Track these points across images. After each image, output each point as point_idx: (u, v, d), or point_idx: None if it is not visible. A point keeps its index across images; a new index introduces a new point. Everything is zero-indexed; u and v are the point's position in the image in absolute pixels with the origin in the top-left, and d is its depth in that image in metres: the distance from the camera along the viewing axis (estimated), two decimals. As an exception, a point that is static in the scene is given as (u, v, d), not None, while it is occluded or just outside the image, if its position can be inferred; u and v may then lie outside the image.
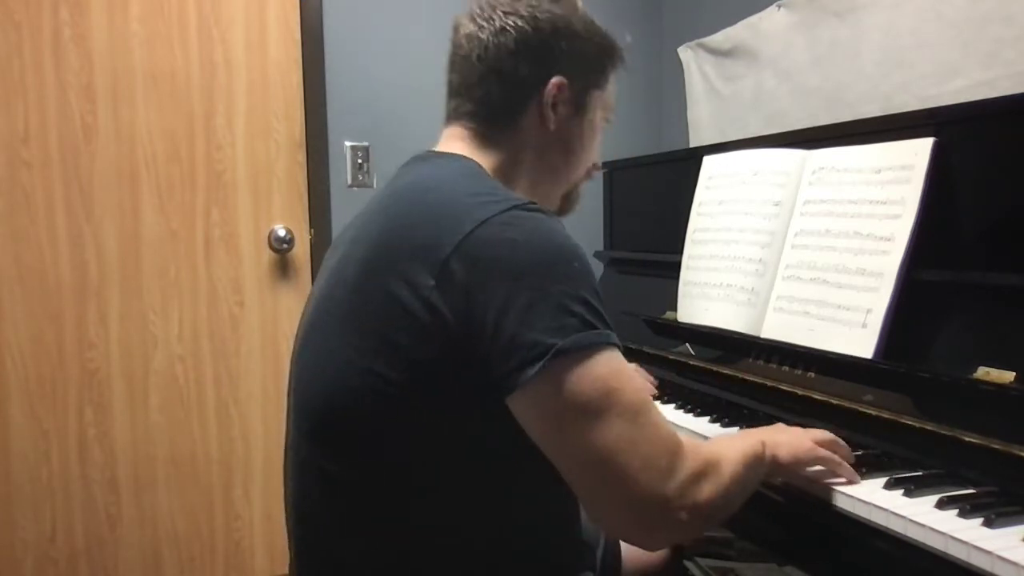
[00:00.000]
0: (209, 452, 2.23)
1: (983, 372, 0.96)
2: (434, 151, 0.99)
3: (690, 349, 1.51)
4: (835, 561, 1.00)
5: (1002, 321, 1.00)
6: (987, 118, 1.13)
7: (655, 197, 1.91)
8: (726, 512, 0.85)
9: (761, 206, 1.39)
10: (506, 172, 0.96)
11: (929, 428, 0.98)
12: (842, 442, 0.99)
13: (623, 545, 1.19)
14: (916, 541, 0.83)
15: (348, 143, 2.35)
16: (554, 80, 0.95)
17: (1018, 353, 0.94)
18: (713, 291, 1.44)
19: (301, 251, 2.30)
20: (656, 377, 1.48)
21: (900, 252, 1.10)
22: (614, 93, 1.05)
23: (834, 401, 1.13)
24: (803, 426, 1.03)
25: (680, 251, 1.57)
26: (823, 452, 0.96)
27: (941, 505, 0.86)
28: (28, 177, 2.04)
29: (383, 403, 0.81)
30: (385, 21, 2.37)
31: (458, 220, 0.79)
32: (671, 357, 1.51)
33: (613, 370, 0.78)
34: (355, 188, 2.35)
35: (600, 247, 2.10)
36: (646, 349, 1.57)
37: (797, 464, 0.95)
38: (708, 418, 1.28)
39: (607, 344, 0.79)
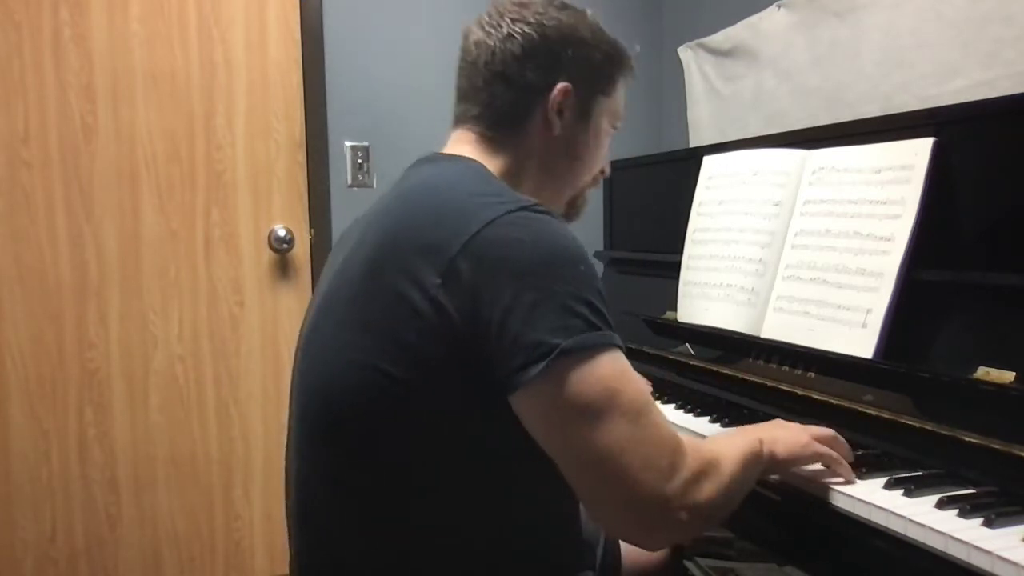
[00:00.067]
0: (209, 452, 2.23)
1: (983, 372, 0.96)
2: (441, 153, 0.99)
3: (690, 349, 1.51)
4: (835, 561, 1.00)
5: (1002, 321, 1.00)
6: (987, 118, 1.13)
7: (655, 197, 1.91)
8: (726, 511, 0.86)
9: (761, 206, 1.39)
10: (512, 176, 0.96)
11: (929, 428, 0.98)
12: (842, 439, 0.99)
13: (623, 545, 1.19)
14: (916, 541, 0.83)
15: (348, 143, 2.35)
16: (560, 86, 0.96)
17: (1018, 353, 0.94)
18: (713, 291, 1.44)
19: (301, 251, 2.30)
20: (656, 377, 1.48)
21: (900, 252, 1.10)
22: (622, 101, 1.06)
23: (834, 401, 1.13)
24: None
25: (680, 251, 1.57)
26: (821, 449, 0.96)
27: (941, 505, 0.86)
28: (28, 177, 2.04)
29: (387, 401, 0.81)
30: (385, 21, 2.37)
31: (465, 220, 0.80)
32: (671, 357, 1.52)
33: (616, 371, 0.79)
34: (355, 188, 2.35)
35: (600, 247, 2.10)
36: (646, 349, 1.57)
37: (795, 461, 0.95)
38: (708, 418, 1.28)
39: (610, 345, 0.79)
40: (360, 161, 2.36)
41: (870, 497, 0.90)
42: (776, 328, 1.29)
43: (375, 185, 2.36)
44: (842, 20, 1.88)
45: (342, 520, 0.87)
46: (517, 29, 0.95)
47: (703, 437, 1.18)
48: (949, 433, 0.95)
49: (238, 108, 2.21)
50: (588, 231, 2.07)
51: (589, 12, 1.00)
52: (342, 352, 0.85)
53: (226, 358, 2.24)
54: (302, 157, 2.29)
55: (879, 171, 1.17)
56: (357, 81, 2.34)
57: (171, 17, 2.13)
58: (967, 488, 0.91)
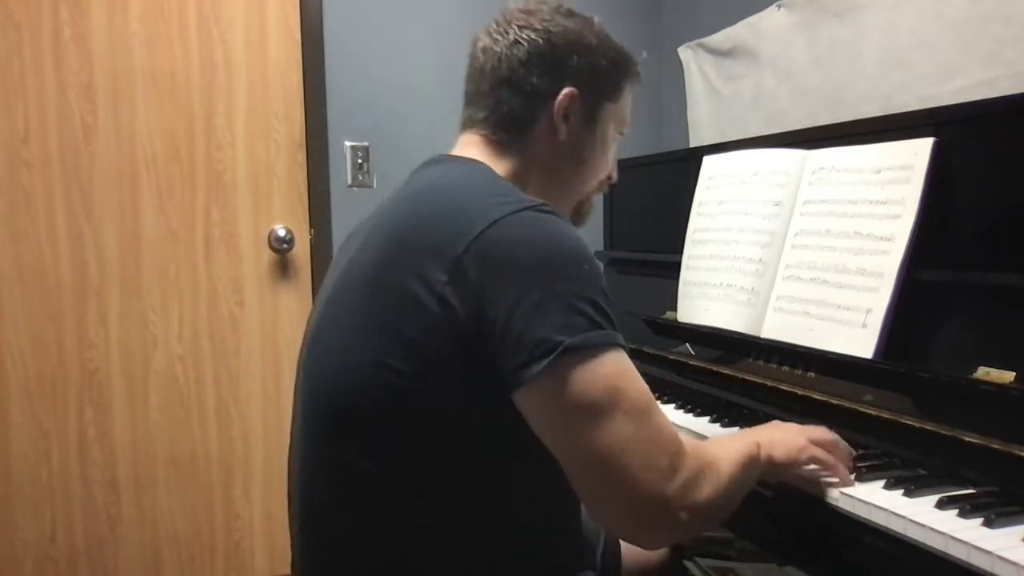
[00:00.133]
0: (209, 452, 2.23)
1: (983, 372, 0.96)
2: (447, 155, 1.00)
3: (690, 349, 1.51)
4: (835, 561, 1.00)
5: (1002, 321, 1.00)
6: (987, 118, 1.13)
7: (655, 197, 1.91)
8: (724, 512, 0.86)
9: (761, 206, 1.39)
10: (518, 179, 0.97)
11: (929, 428, 0.98)
12: (842, 442, 0.99)
13: (623, 544, 1.19)
14: (916, 541, 0.83)
15: (348, 143, 2.35)
16: (565, 90, 0.97)
17: (1018, 353, 0.94)
18: (713, 291, 1.44)
19: (301, 251, 2.30)
20: (656, 377, 1.48)
21: (900, 252, 1.10)
22: (629, 107, 1.06)
23: (834, 401, 1.13)
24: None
25: (680, 251, 1.57)
26: (818, 453, 0.96)
27: (941, 505, 0.86)
28: (28, 177, 2.04)
29: (391, 401, 0.82)
30: (385, 21, 2.37)
31: (472, 219, 0.81)
32: (671, 357, 1.52)
33: (619, 370, 0.80)
34: (355, 188, 2.35)
35: (600, 247, 2.10)
36: (646, 349, 1.57)
37: (792, 465, 0.95)
38: (708, 418, 1.28)
39: (614, 344, 0.80)
40: (360, 161, 2.36)
41: (870, 497, 0.90)
42: (776, 328, 1.29)
43: (375, 185, 2.36)
44: (842, 20, 1.88)
45: (344, 519, 0.88)
46: (524, 36, 0.96)
47: (703, 437, 1.18)
48: (949, 433, 0.95)
49: (238, 108, 2.21)
50: (588, 231, 2.06)
51: (596, 20, 1.02)
52: (349, 351, 0.85)
53: (226, 358, 2.24)
54: (302, 157, 2.29)
55: (879, 171, 1.17)
56: (357, 81, 2.34)
57: (171, 17, 2.13)
58: (967, 488, 0.91)
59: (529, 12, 0.99)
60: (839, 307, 1.17)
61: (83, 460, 2.12)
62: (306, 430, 0.92)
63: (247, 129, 2.22)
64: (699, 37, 2.42)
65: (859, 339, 1.12)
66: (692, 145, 2.43)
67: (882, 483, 0.94)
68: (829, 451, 0.97)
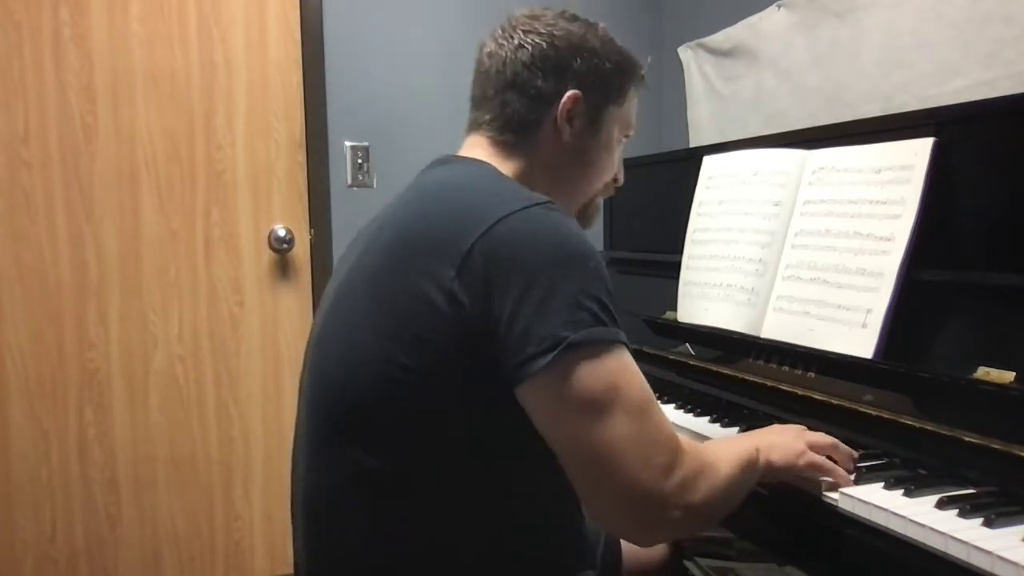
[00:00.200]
0: (209, 452, 2.23)
1: (983, 372, 0.96)
2: (454, 156, 1.01)
3: (690, 349, 1.51)
4: (835, 561, 1.00)
5: (1002, 321, 1.00)
6: (987, 118, 1.13)
7: (655, 197, 1.91)
8: (720, 514, 0.87)
9: (761, 206, 1.39)
10: (523, 180, 0.97)
11: (929, 428, 0.98)
12: (842, 446, 0.99)
13: (624, 544, 1.19)
14: (916, 541, 0.83)
15: (348, 143, 2.35)
16: (569, 93, 0.98)
17: (1018, 353, 0.94)
18: (713, 291, 1.44)
19: (301, 251, 2.30)
20: (656, 377, 1.48)
21: (900, 252, 1.10)
22: (634, 110, 1.08)
23: (834, 401, 1.13)
24: (805, 426, 1.03)
25: (680, 251, 1.57)
26: (815, 459, 0.96)
27: (941, 505, 0.86)
28: (28, 177, 2.04)
29: (398, 397, 0.82)
30: (385, 21, 2.37)
31: (480, 216, 0.82)
32: (671, 357, 1.52)
33: (621, 367, 0.81)
34: (355, 188, 2.35)
35: (600, 247, 2.10)
36: (646, 349, 1.57)
37: (790, 470, 0.95)
38: (708, 418, 1.28)
39: (617, 342, 0.81)
40: (360, 161, 2.36)
41: (870, 497, 0.90)
42: (776, 328, 1.29)
43: (375, 185, 2.36)
44: (842, 20, 1.88)
45: (347, 519, 0.88)
46: (528, 40, 0.98)
47: (703, 437, 1.18)
48: (949, 433, 0.95)
49: (238, 108, 2.21)
50: (588, 231, 2.07)
51: (601, 24, 1.03)
52: (356, 351, 0.86)
53: (226, 358, 2.24)
54: (302, 157, 2.29)
55: (879, 171, 1.17)
56: (357, 81, 2.34)
57: (171, 17, 2.13)
58: (967, 488, 0.91)
59: (534, 17, 1.00)
60: (839, 307, 1.17)
61: (83, 460, 2.12)
62: (312, 430, 0.93)
63: (247, 129, 2.22)
64: (699, 37, 2.42)
65: (859, 339, 1.12)
66: (692, 145, 2.43)
67: (882, 483, 0.94)
68: (829, 455, 0.97)
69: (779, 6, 2.09)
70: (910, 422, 1.01)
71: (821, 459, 0.96)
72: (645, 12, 2.68)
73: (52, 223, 2.07)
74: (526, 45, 0.98)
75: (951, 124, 1.12)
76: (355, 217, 2.19)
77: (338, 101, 2.32)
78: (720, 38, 2.32)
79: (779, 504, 1.01)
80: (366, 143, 2.36)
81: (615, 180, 1.10)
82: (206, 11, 2.16)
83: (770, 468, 0.93)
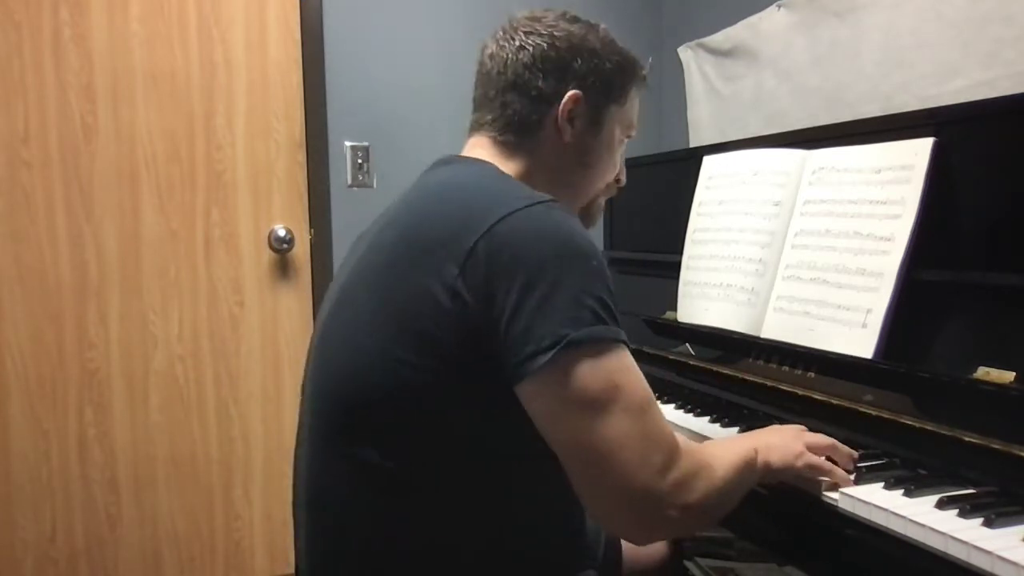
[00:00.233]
0: (209, 452, 2.23)
1: (983, 372, 0.96)
2: (456, 156, 1.02)
3: (690, 349, 1.51)
4: (835, 561, 1.00)
5: (1002, 321, 1.00)
6: (987, 118, 1.13)
7: (655, 197, 1.91)
8: (717, 514, 0.87)
9: (761, 206, 1.39)
10: (525, 180, 0.98)
11: (929, 428, 0.98)
12: (841, 446, 0.99)
13: (624, 544, 1.19)
14: (916, 541, 0.83)
15: (348, 143, 2.35)
16: (570, 93, 0.98)
17: (1018, 353, 0.94)
18: (713, 291, 1.44)
19: (301, 251, 2.30)
20: (656, 377, 1.48)
21: (900, 252, 1.10)
22: (635, 111, 1.08)
23: (834, 401, 1.13)
24: (805, 426, 1.03)
25: (680, 251, 1.57)
26: (814, 460, 0.96)
27: (941, 505, 0.86)
28: (28, 177, 2.04)
29: (401, 396, 0.83)
30: (385, 21, 2.37)
31: (482, 214, 0.82)
32: (671, 357, 1.52)
33: (621, 366, 0.81)
34: (355, 188, 2.35)
35: (600, 247, 2.10)
36: (646, 349, 1.57)
37: (788, 471, 0.95)
38: (708, 418, 1.28)
39: (618, 341, 0.81)
40: (360, 161, 2.36)
41: (870, 497, 0.90)
42: (776, 328, 1.29)
43: (375, 185, 2.36)
44: (842, 20, 1.88)
45: (348, 518, 0.88)
46: (529, 41, 0.98)
47: (703, 437, 1.18)
48: (949, 433, 0.95)
49: (238, 108, 2.21)
50: (588, 231, 2.07)
51: (602, 26, 1.03)
52: (359, 350, 0.86)
53: (226, 358, 2.24)
54: (302, 157, 2.29)
55: (879, 171, 1.17)
56: (357, 81, 2.34)
57: (171, 17, 2.13)
58: (967, 488, 0.91)
59: (535, 18, 1.01)
60: (839, 307, 1.17)
61: (83, 460, 2.12)
62: (314, 429, 0.93)
63: (247, 129, 2.22)
64: (699, 37, 2.42)
65: (859, 339, 1.12)
66: (692, 145, 2.43)
67: (882, 483, 0.94)
68: (828, 456, 0.97)
69: (779, 6, 2.09)
70: (910, 422, 1.01)
71: (819, 460, 0.96)
72: (645, 12, 2.68)
73: (52, 223, 2.07)
74: (527, 46, 0.98)
75: (951, 124, 1.12)
76: (355, 217, 2.20)
77: (338, 101, 2.32)
78: (720, 38, 2.32)
79: (779, 504, 1.02)
80: (366, 143, 2.36)
81: (617, 180, 1.11)
82: (206, 11, 2.16)
83: (768, 469, 0.93)
